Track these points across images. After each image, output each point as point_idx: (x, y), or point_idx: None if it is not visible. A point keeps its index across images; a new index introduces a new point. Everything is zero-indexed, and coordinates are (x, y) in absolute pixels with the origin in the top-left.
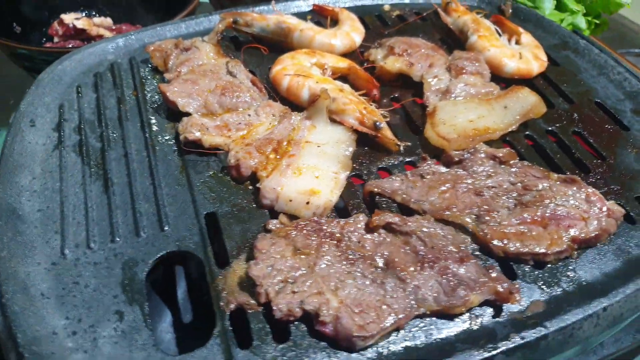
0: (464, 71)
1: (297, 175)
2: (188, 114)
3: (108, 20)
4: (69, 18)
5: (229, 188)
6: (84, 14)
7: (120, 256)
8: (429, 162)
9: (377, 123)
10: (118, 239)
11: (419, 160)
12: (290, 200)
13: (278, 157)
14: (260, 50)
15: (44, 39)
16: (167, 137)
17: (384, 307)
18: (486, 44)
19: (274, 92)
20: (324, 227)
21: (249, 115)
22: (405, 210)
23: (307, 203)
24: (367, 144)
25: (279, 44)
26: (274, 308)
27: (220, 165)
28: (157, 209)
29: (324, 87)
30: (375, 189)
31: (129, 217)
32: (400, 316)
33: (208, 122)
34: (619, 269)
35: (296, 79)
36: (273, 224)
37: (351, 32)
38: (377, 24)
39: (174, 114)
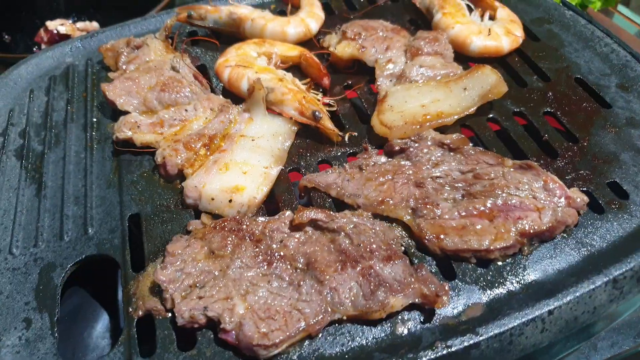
0: (421, 52)
1: (222, 172)
2: (127, 112)
3: (93, 25)
4: (53, 24)
5: (158, 188)
6: (72, 20)
7: (40, 261)
8: (371, 152)
9: (316, 113)
10: (41, 244)
11: (361, 151)
12: (213, 199)
13: (209, 153)
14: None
15: (35, 47)
16: (106, 138)
17: (294, 312)
18: (450, 21)
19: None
20: (244, 227)
21: (186, 110)
22: (343, 206)
23: (230, 201)
24: (310, 136)
25: (234, 35)
26: (177, 314)
27: (152, 164)
28: (84, 211)
29: (258, 77)
30: (308, 184)
31: (56, 220)
32: (312, 322)
33: (143, 120)
34: (576, 266)
35: (236, 70)
36: (193, 225)
37: (306, 19)
38: (343, 9)
39: (117, 113)
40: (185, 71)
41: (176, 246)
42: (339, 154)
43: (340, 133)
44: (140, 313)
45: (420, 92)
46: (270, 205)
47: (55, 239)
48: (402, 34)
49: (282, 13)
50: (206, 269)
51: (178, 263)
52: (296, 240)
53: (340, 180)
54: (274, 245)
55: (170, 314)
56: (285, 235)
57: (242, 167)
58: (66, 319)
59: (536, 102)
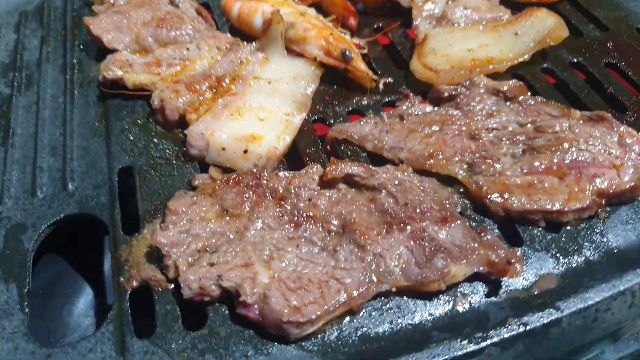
0: None
1: (235, 118)
2: (115, 51)
3: None
4: None
5: (154, 137)
6: None
7: (5, 221)
8: (413, 100)
9: (346, 52)
10: (7, 201)
11: (401, 99)
12: (223, 149)
13: (217, 97)
14: None
15: None
16: (90, 81)
17: (332, 281)
18: None
19: (224, 21)
20: (264, 182)
21: (188, 49)
22: (380, 161)
23: (245, 152)
24: (336, 81)
25: None
26: (182, 285)
27: (147, 110)
28: (63, 163)
29: (276, 9)
30: (339, 135)
31: (27, 174)
32: (354, 294)
33: (136, 59)
34: None
35: (248, 4)
36: (200, 179)
37: None
38: None
39: (103, 54)
40: (186, 6)
41: (179, 203)
42: (372, 102)
43: (375, 77)
44: (135, 284)
45: (466, 35)
46: (292, 160)
47: (25, 195)
48: None
49: None
50: (218, 230)
51: (182, 223)
52: (328, 198)
53: (378, 132)
54: (301, 204)
55: (173, 285)
56: (315, 193)
57: (258, 113)
58: (40, 292)
59: (595, 52)
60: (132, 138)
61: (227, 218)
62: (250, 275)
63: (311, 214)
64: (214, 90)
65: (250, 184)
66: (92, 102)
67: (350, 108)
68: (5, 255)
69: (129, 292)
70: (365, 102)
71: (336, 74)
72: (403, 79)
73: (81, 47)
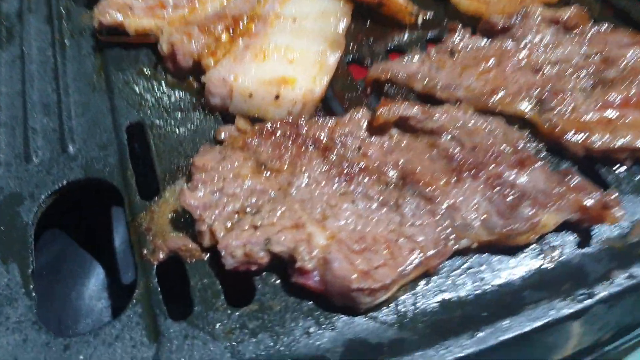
0: None
1: (260, 60)
2: None
3: None
4: None
5: (164, 87)
6: None
7: None
8: (462, 33)
9: None
10: None
11: (446, 33)
12: (250, 95)
13: (233, 38)
14: None
15: None
16: (82, 30)
17: (402, 240)
18: None
19: None
20: (303, 131)
21: None
22: (431, 104)
23: (277, 97)
24: (368, 17)
25: None
26: (222, 252)
27: (152, 60)
28: (59, 123)
29: None
30: (382, 75)
31: (17, 136)
32: (430, 253)
33: (135, 2)
34: None
35: None
36: (226, 132)
37: None
38: None
39: (94, 1)
40: None
41: (207, 158)
42: (413, 39)
43: (414, 11)
44: (162, 256)
45: None
46: (328, 107)
47: (18, 161)
48: None
49: None
50: (258, 187)
51: (214, 181)
52: (380, 146)
53: (427, 69)
54: (350, 155)
55: (208, 255)
56: (364, 141)
57: (286, 54)
58: (44, 273)
59: None
60: (138, 91)
61: (266, 174)
62: (304, 237)
63: (363, 165)
64: (230, 31)
65: (288, 134)
66: (87, 53)
67: (389, 47)
68: (1, 232)
69: (155, 266)
70: (405, 39)
71: (365, 8)
72: (443, 13)
73: None
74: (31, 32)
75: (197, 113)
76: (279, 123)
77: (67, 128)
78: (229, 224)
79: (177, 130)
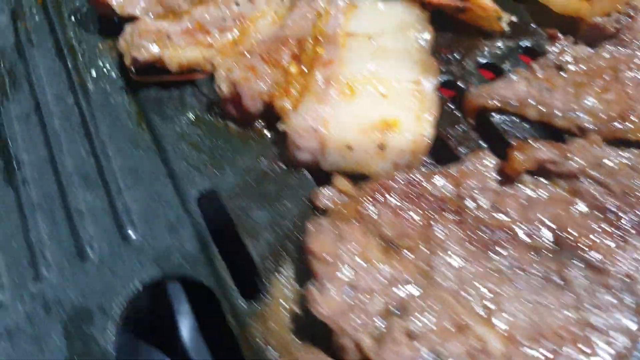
0: None
1: (348, 97)
2: (133, 19)
3: None
4: None
5: (230, 139)
6: None
7: (56, 307)
8: (563, 41)
9: None
10: (47, 273)
11: (546, 42)
12: (349, 147)
13: (304, 69)
14: None
15: None
16: (104, 66)
17: (589, 331)
18: None
19: None
20: (425, 189)
21: (237, 4)
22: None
23: (382, 147)
24: (444, 24)
25: None
26: None
27: (204, 100)
28: (108, 200)
29: None
30: (488, 103)
31: (60, 224)
32: (622, 344)
33: (169, 26)
34: None
35: None
36: (327, 197)
37: None
38: None
39: (111, 24)
40: None
41: (321, 241)
42: (505, 50)
43: (502, 16)
44: None
45: None
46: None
47: (72, 261)
48: None
49: None
50: (395, 276)
51: (342, 273)
52: (516, 201)
53: (536, 91)
54: (485, 215)
55: None
56: (497, 194)
57: (375, 85)
58: None
59: None
60: (197, 145)
61: (398, 254)
62: (476, 343)
63: (504, 227)
64: (297, 60)
65: (408, 194)
66: (118, 97)
67: (479, 61)
68: None
69: None
70: (495, 51)
71: (441, 15)
72: (528, 15)
73: (72, 17)
74: (40, 73)
75: (279, 172)
76: (391, 181)
77: (121, 206)
78: (377, 333)
79: (260, 197)
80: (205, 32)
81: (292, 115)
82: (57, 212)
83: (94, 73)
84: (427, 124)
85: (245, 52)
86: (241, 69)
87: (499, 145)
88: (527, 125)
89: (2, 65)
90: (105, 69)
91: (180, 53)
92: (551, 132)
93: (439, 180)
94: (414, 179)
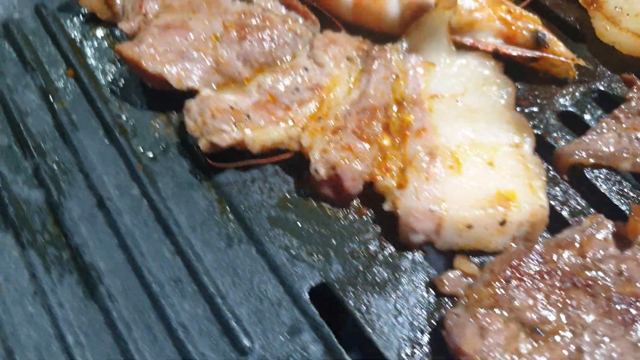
0: None
1: (456, 170)
2: (192, 92)
3: None
4: None
5: (327, 222)
6: None
7: None
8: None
9: (540, 34)
10: None
11: (617, 84)
12: (469, 226)
13: (396, 140)
14: None
15: None
16: (164, 147)
17: None
18: None
19: (328, 12)
20: (553, 264)
21: (306, 69)
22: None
23: (502, 223)
24: (516, 74)
25: None
26: None
27: (289, 179)
28: (210, 306)
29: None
30: (584, 159)
31: (161, 342)
32: None
33: (240, 101)
34: None
35: None
36: (451, 282)
37: None
38: None
39: (159, 94)
40: None
41: (470, 338)
42: (579, 97)
43: (576, 62)
44: None
45: None
46: None
47: None
48: None
49: None
50: None
51: None
52: (637, 264)
53: (628, 141)
54: (614, 286)
55: None
56: (619, 261)
57: (480, 154)
58: None
59: None
60: (294, 231)
61: (545, 341)
62: None
63: (636, 295)
64: (387, 130)
65: (539, 272)
66: (191, 184)
67: (557, 109)
68: None
69: None
70: (572, 98)
71: (510, 64)
72: (591, 54)
73: (111, 89)
74: (93, 160)
75: (386, 251)
76: (519, 260)
77: (227, 313)
78: None
79: (374, 283)
80: (284, 106)
81: (401, 196)
82: (155, 328)
83: (151, 154)
84: (541, 192)
85: (334, 127)
86: (336, 149)
87: (600, 201)
88: (619, 177)
89: (47, 155)
90: (166, 150)
91: (263, 134)
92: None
93: (563, 253)
94: (541, 255)
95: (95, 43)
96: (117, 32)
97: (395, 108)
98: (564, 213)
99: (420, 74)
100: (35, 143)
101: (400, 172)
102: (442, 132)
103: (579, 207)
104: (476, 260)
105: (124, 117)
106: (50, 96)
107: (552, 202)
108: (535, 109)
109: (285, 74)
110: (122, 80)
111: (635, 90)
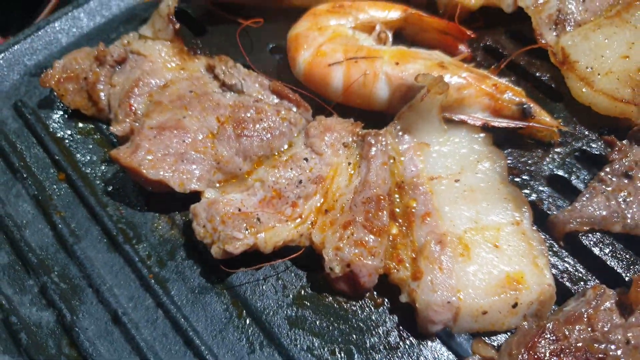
0: None
1: (466, 257)
2: (195, 194)
3: None
4: None
5: (345, 317)
6: None
7: None
8: (624, 147)
9: (526, 106)
10: None
11: (594, 141)
12: (485, 312)
13: (404, 227)
14: (244, 22)
15: None
16: (171, 251)
17: None
18: None
19: (318, 97)
20: (567, 339)
21: (306, 160)
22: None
23: (514, 306)
24: (501, 140)
25: (262, 6)
26: None
27: (301, 276)
28: None
29: (428, 75)
30: (581, 226)
31: None
32: None
33: (246, 200)
34: None
35: (356, 67)
36: None
37: None
38: None
39: (158, 195)
40: (253, 87)
41: None
42: (562, 159)
43: (557, 126)
44: None
45: (605, 35)
46: None
47: None
48: None
49: None
50: None
51: None
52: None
53: (615, 204)
54: (624, 357)
55: None
56: (625, 329)
57: (485, 237)
58: None
59: None
60: (313, 330)
61: None
62: None
63: None
64: (395, 219)
65: (555, 351)
66: (205, 289)
67: (544, 173)
68: None
69: None
70: (556, 162)
71: (502, 134)
72: (569, 114)
73: (107, 192)
74: (100, 272)
75: (407, 341)
76: (535, 341)
77: None
78: None
79: None
80: (291, 202)
81: (418, 289)
82: None
83: (159, 259)
84: (546, 270)
85: (343, 221)
86: (349, 246)
87: (597, 265)
88: (611, 239)
89: (52, 271)
90: (173, 254)
91: (275, 235)
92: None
93: (573, 328)
94: (553, 333)
95: (83, 141)
96: (104, 127)
97: (397, 195)
98: (566, 282)
99: (417, 155)
100: (37, 259)
101: (412, 261)
102: (447, 216)
103: (578, 275)
104: (488, 339)
105: (125, 222)
106: (45, 205)
107: (554, 271)
108: (525, 177)
109: (286, 166)
110: (117, 180)
111: (616, 151)
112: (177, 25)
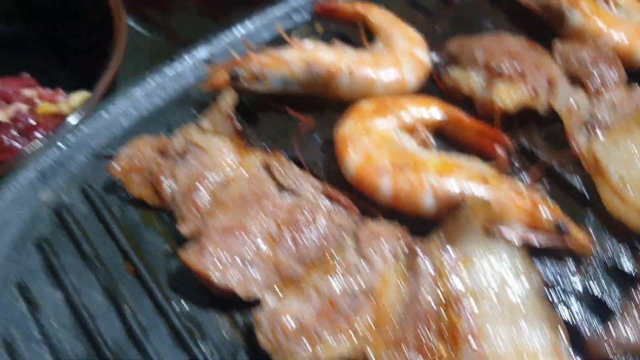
0: (607, 82)
1: None
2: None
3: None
4: None
5: None
6: None
7: None
8: None
9: (561, 224)
10: None
11: (624, 253)
12: None
13: (449, 345)
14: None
15: None
16: (230, 351)
17: None
18: (600, 25)
19: (366, 201)
20: None
21: (357, 268)
22: None
23: None
24: (535, 250)
25: (305, 98)
26: None
27: None
28: None
29: (476, 198)
30: (612, 352)
31: None
32: None
33: (305, 311)
34: None
35: (404, 177)
36: None
37: (413, 49)
38: (411, 12)
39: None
40: (305, 187)
41: None
42: (594, 272)
43: (589, 244)
44: None
45: (634, 140)
46: None
47: None
48: (540, 52)
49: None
50: None
51: None
52: None
53: None
54: None
55: None
56: None
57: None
58: None
59: None
60: None
61: None
62: None
63: None
64: (444, 338)
65: None
66: None
67: (579, 290)
68: None
69: None
70: (587, 278)
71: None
72: (599, 221)
73: (172, 286)
74: None
75: None
76: None
77: None
78: None
79: None
80: (345, 315)
81: None
82: None
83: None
84: None
85: (394, 339)
86: None
87: None
88: None
89: None
90: (235, 355)
91: (333, 352)
92: None
93: None
94: None
95: (146, 230)
96: (164, 215)
97: (443, 311)
98: None
99: (460, 269)
100: (111, 352)
101: None
102: (490, 337)
103: None
104: None
105: (189, 318)
106: (115, 297)
107: None
108: (560, 293)
109: (338, 274)
110: (180, 275)
111: None
112: (239, 127)
